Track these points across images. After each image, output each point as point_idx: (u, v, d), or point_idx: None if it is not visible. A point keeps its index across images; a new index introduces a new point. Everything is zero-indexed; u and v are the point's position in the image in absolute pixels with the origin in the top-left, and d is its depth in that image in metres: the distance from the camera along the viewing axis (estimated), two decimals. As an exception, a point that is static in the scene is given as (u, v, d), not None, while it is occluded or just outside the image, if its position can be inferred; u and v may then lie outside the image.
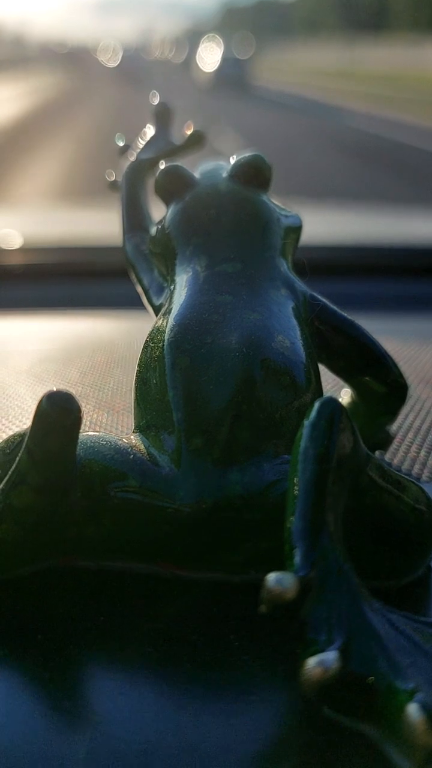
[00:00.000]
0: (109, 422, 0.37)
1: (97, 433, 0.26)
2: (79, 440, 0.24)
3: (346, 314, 0.30)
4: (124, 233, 0.35)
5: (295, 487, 0.21)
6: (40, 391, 0.22)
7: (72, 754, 0.19)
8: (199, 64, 16.98)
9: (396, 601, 0.22)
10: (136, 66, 17.53)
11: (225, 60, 15.48)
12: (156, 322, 0.29)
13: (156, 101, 0.40)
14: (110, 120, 7.13)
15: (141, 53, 19.01)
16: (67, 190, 3.72)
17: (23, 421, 0.37)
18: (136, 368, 0.28)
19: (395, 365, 0.31)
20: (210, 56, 16.41)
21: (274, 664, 0.22)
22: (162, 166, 0.33)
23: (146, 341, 0.28)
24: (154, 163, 0.37)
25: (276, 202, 0.32)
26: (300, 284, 0.30)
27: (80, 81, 16.30)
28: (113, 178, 0.38)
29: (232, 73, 15.09)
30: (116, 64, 18.25)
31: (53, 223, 0.92)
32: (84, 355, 0.49)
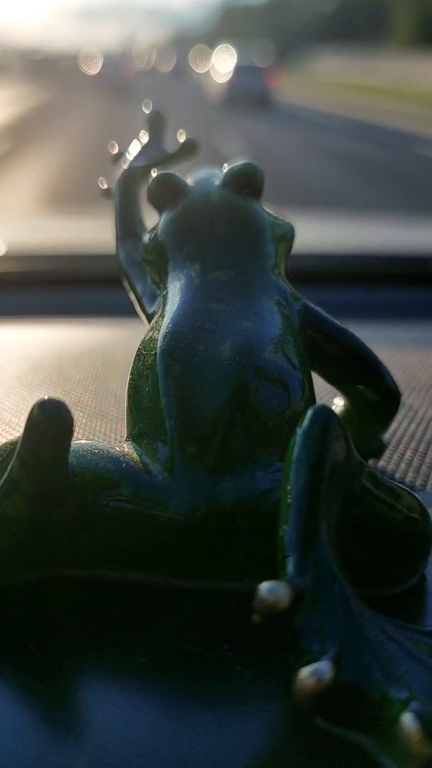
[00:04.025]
0: (102, 430, 0.37)
1: (90, 442, 0.26)
2: (72, 449, 0.24)
3: (339, 322, 0.30)
4: (117, 241, 0.35)
5: (289, 496, 0.21)
6: (33, 400, 0.22)
7: (65, 765, 0.19)
8: (212, 75, 13.65)
9: (390, 609, 0.22)
10: (116, 76, 15.61)
11: (241, 69, 12.12)
12: (149, 330, 0.28)
13: (148, 110, 0.40)
14: (87, 134, 6.67)
15: (123, 61, 17.25)
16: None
17: (15, 430, 0.37)
18: (129, 376, 0.28)
19: (388, 373, 0.31)
20: (222, 65, 13.02)
21: (268, 673, 0.22)
22: (155, 174, 0.33)
23: (139, 349, 0.28)
24: (147, 170, 0.37)
25: (269, 210, 0.32)
26: (293, 292, 0.30)
27: (57, 92, 14.25)
28: (106, 186, 0.38)
29: (250, 84, 11.93)
30: (95, 73, 16.81)
31: (44, 231, 0.92)
32: (76, 363, 0.48)
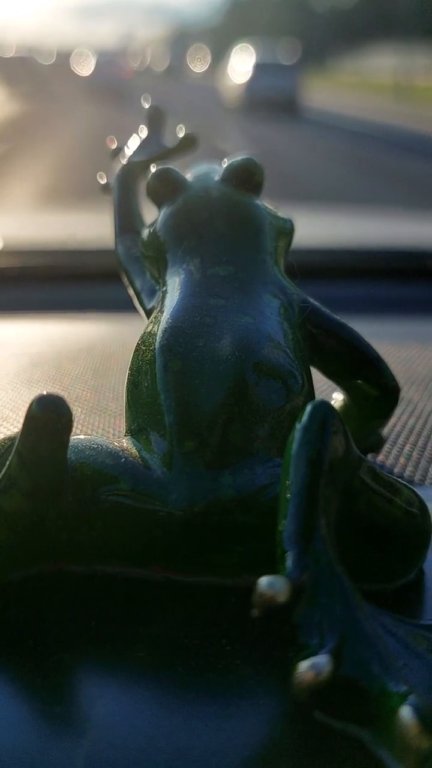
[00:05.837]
0: (101, 426, 0.37)
1: (89, 437, 0.26)
2: (70, 444, 0.24)
3: (338, 317, 0.30)
4: (116, 236, 0.35)
5: (288, 491, 0.21)
6: (31, 395, 0.22)
7: (64, 760, 0.19)
8: (229, 74, 11.54)
9: (388, 604, 0.22)
10: (112, 77, 13.85)
11: (262, 67, 10.21)
12: (148, 325, 0.28)
13: (147, 105, 0.40)
14: (74, 137, 6.10)
15: (120, 60, 16.01)
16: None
17: (13, 425, 0.37)
18: (128, 371, 0.28)
19: (387, 368, 0.31)
20: (239, 63, 11.08)
21: (267, 668, 0.22)
22: (154, 168, 0.33)
23: (138, 344, 0.28)
24: (146, 165, 0.37)
25: (268, 206, 0.32)
26: (292, 287, 0.30)
27: (35, 100, 11.15)
28: (105, 181, 0.38)
29: (273, 85, 9.94)
30: (88, 74, 14.56)
31: (42, 226, 0.92)
32: (75, 359, 0.48)
